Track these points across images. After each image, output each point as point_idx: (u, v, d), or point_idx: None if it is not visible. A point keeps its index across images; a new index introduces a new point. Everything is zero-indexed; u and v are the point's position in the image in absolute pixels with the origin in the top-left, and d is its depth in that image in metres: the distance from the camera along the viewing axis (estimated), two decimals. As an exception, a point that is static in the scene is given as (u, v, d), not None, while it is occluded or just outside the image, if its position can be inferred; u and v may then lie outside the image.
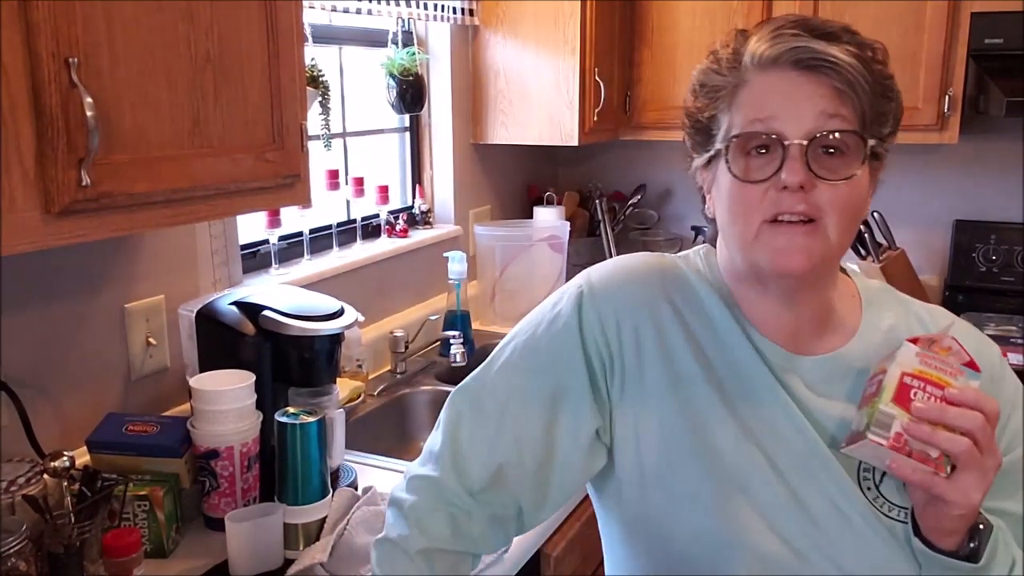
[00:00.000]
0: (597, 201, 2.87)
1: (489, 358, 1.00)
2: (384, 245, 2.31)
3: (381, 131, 2.47)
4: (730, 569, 0.89)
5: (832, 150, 0.85)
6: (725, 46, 0.92)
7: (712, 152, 0.91)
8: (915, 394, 0.81)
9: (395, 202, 2.47)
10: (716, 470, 0.90)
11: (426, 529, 0.93)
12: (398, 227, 2.38)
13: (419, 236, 2.43)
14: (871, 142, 0.86)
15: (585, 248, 2.92)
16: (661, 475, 0.92)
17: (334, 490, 1.39)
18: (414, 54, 2.33)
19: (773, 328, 0.93)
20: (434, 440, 0.98)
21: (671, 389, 0.92)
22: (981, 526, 0.85)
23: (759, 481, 0.89)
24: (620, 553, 1.02)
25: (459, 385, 1.00)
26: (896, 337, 0.91)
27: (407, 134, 2.56)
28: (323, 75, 1.89)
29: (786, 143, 0.84)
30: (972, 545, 0.84)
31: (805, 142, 0.83)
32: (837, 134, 0.84)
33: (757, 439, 0.90)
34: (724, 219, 0.91)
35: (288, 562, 1.27)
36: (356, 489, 1.47)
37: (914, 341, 0.85)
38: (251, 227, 1.94)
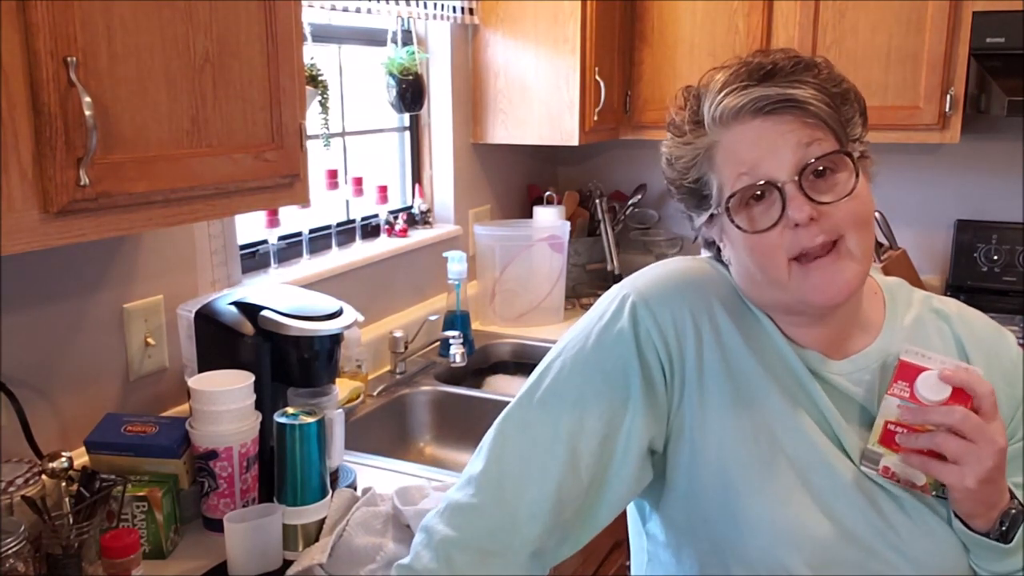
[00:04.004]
0: (597, 201, 2.86)
1: (532, 380, 0.97)
2: (384, 245, 2.31)
3: (381, 131, 2.46)
4: (790, 563, 0.89)
5: (823, 171, 0.88)
6: (680, 110, 0.96)
7: (711, 212, 0.94)
8: (897, 437, 0.91)
9: (394, 202, 2.47)
10: (778, 463, 0.91)
11: (455, 566, 0.89)
12: (397, 227, 2.38)
13: (419, 236, 2.43)
14: (855, 153, 0.90)
15: (585, 248, 2.92)
16: (721, 471, 0.92)
17: (333, 491, 1.38)
18: (413, 53, 2.32)
19: (805, 340, 0.96)
20: (474, 466, 0.94)
21: (731, 387, 0.93)
22: (1014, 511, 0.89)
23: (819, 471, 0.91)
24: (665, 557, 1.00)
25: (503, 412, 0.97)
26: (921, 328, 0.99)
27: (407, 133, 2.56)
28: (322, 74, 1.88)
29: (780, 184, 0.87)
30: (1003, 528, 0.89)
31: (796, 177, 0.87)
32: (823, 158, 0.87)
33: (813, 432, 0.92)
34: (748, 267, 0.93)
35: (287, 563, 1.27)
36: (355, 490, 1.47)
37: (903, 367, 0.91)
38: (250, 227, 1.93)
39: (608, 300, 0.98)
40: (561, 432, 0.92)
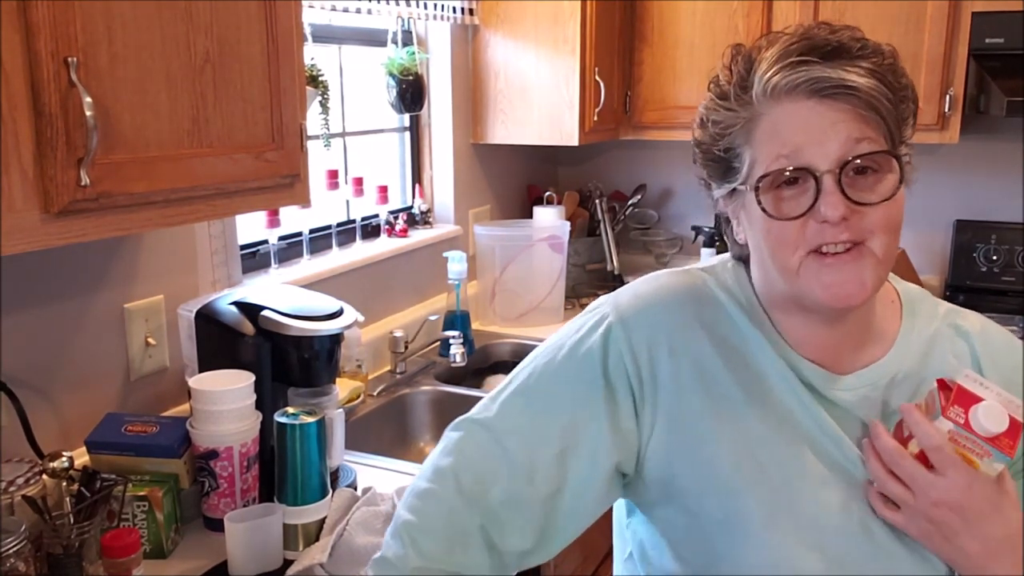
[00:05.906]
0: (597, 201, 2.86)
1: (505, 381, 0.97)
2: (384, 245, 2.31)
3: (381, 131, 2.47)
4: None
5: (864, 168, 0.82)
6: (725, 68, 0.88)
7: (736, 185, 0.88)
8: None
9: (395, 202, 2.47)
10: (762, 490, 0.87)
11: (421, 548, 0.89)
12: (398, 227, 2.38)
13: (419, 236, 2.43)
14: (904, 157, 0.84)
15: (585, 248, 2.92)
16: (699, 500, 0.89)
17: (333, 490, 1.38)
18: (414, 53, 2.32)
19: (813, 348, 0.91)
20: (437, 458, 0.95)
21: (711, 411, 0.90)
22: None
23: (806, 498, 0.87)
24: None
25: (469, 413, 0.97)
26: (936, 345, 0.93)
27: (407, 134, 2.56)
28: (323, 74, 1.89)
29: (818, 175, 0.81)
30: None
31: (837, 170, 0.81)
32: (868, 156, 0.81)
33: (800, 456, 0.88)
34: (762, 251, 0.88)
35: (287, 563, 1.27)
36: (356, 489, 1.47)
37: (942, 385, 0.85)
38: (250, 227, 1.93)
39: (589, 314, 0.96)
40: (522, 437, 0.91)
